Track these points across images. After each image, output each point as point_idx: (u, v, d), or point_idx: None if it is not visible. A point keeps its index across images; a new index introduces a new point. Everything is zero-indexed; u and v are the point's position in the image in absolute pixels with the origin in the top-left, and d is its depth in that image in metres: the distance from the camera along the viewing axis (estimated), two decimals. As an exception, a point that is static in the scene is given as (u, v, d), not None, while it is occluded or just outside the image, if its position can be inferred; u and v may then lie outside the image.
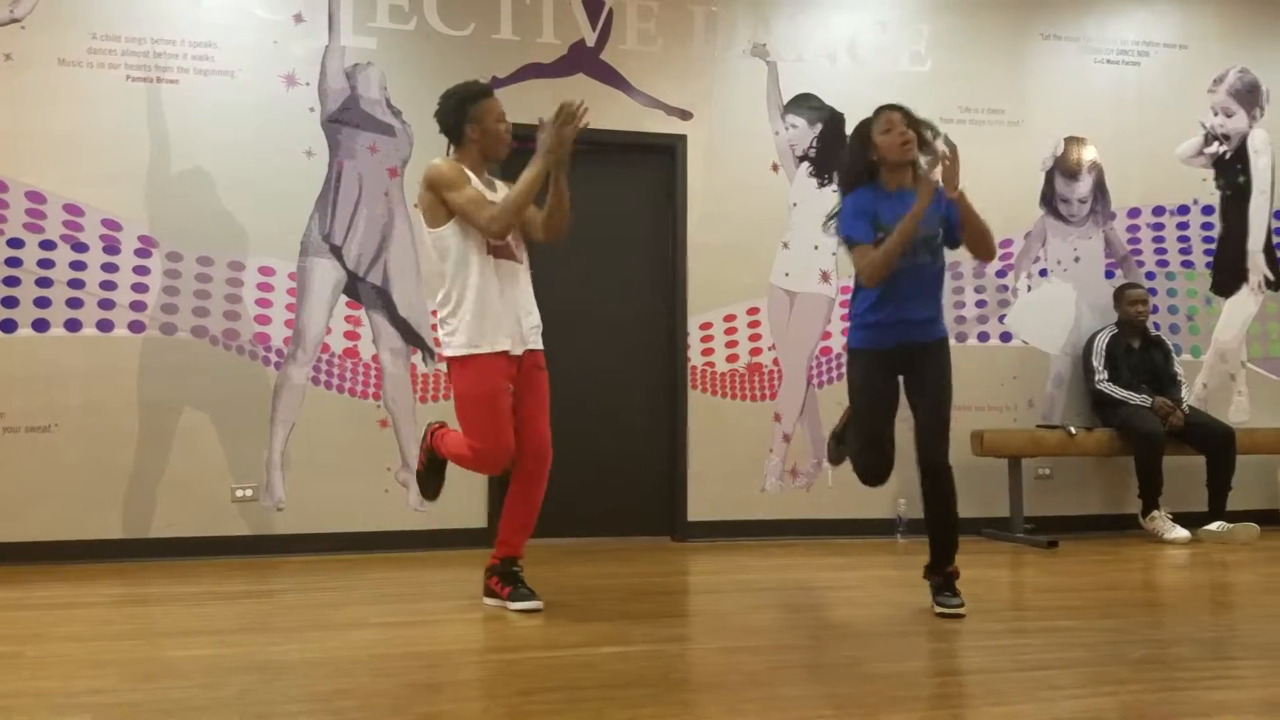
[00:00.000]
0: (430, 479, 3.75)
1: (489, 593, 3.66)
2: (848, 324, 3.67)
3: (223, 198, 4.96)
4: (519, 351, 3.52)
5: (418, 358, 5.13)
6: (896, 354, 3.51)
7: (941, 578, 3.51)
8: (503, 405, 3.45)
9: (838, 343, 5.52)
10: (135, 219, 4.86)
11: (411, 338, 5.12)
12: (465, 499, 5.13)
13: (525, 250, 3.66)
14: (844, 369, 3.62)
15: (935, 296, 3.57)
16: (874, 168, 3.51)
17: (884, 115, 3.50)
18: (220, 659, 2.91)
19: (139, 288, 4.85)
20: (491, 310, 3.45)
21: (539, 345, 3.61)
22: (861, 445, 3.56)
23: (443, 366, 3.83)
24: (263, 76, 5.03)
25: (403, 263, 5.11)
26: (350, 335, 5.06)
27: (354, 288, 5.07)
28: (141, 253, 4.86)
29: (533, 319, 3.60)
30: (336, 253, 5.05)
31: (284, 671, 2.78)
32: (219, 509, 4.89)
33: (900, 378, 3.56)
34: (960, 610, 3.41)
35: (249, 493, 4.93)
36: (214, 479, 4.89)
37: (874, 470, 3.59)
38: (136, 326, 4.84)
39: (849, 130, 5.58)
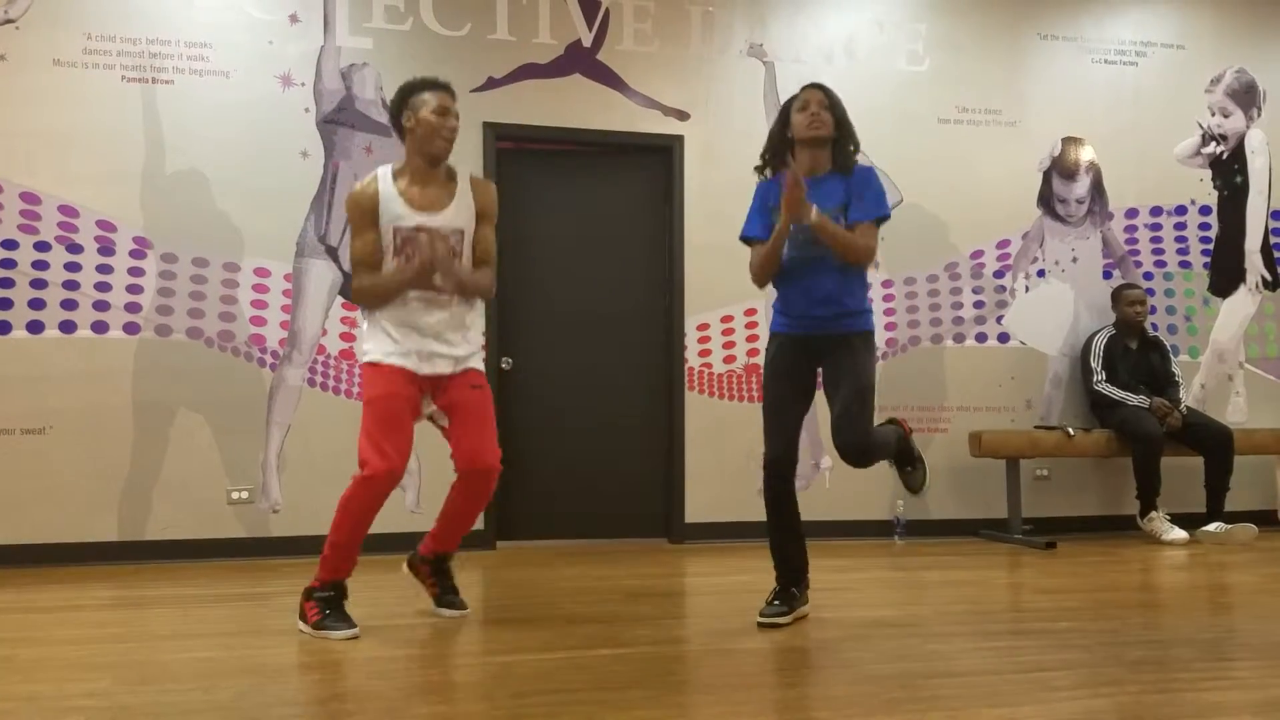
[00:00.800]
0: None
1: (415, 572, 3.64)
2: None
3: (218, 198, 4.95)
4: (425, 372, 3.33)
5: (414, 359, 5.10)
6: (809, 343, 3.37)
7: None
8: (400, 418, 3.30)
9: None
10: (130, 220, 4.85)
11: (408, 339, 5.10)
12: (462, 500, 5.11)
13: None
14: None
15: (844, 290, 3.35)
16: (789, 145, 3.40)
17: (803, 93, 3.41)
18: (216, 662, 2.90)
19: (134, 289, 4.84)
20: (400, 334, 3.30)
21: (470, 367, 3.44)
22: (768, 426, 3.38)
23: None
24: (258, 77, 5.01)
25: (399, 264, 5.09)
26: (346, 337, 5.04)
27: (349, 289, 5.05)
28: (136, 254, 4.85)
29: (455, 350, 3.40)
30: (332, 254, 5.04)
31: (280, 675, 2.77)
32: (215, 511, 4.88)
33: (818, 370, 3.42)
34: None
35: (245, 495, 4.92)
36: (210, 481, 4.88)
37: (773, 452, 3.36)
38: (131, 328, 4.83)
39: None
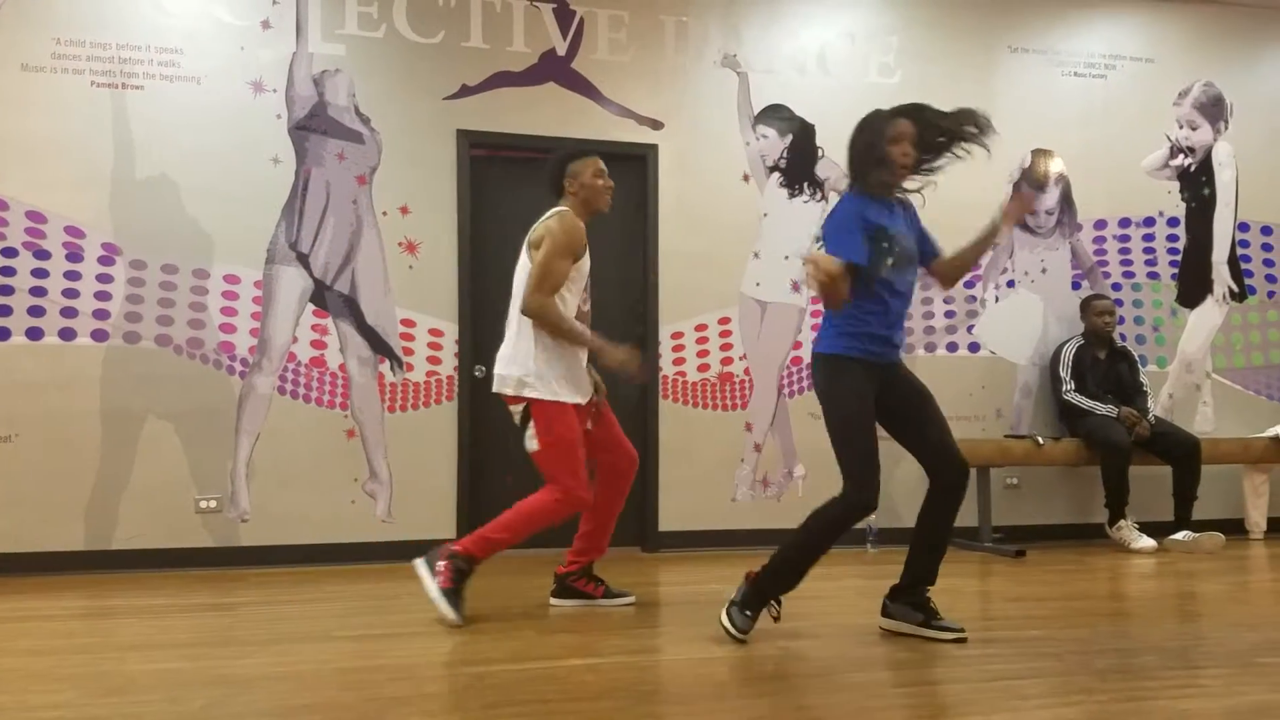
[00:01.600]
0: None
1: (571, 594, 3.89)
2: (821, 330, 3.33)
3: (188, 205, 4.91)
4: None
5: (385, 367, 5.09)
6: (882, 372, 3.27)
7: (928, 596, 3.37)
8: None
9: (808, 352, 5.52)
10: (99, 226, 4.80)
11: (379, 347, 5.08)
12: (433, 509, 5.09)
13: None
14: (817, 379, 3.33)
15: (905, 315, 3.38)
16: (881, 163, 3.24)
17: (901, 124, 3.29)
18: (183, 673, 2.87)
19: (102, 295, 4.79)
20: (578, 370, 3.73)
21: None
22: (862, 467, 3.16)
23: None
24: (229, 83, 4.98)
25: (371, 271, 5.08)
26: (317, 344, 5.02)
27: (321, 296, 5.02)
28: (105, 260, 4.80)
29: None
30: (303, 261, 5.01)
31: (248, 686, 2.74)
32: (183, 520, 4.83)
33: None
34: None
35: (213, 504, 4.87)
36: (178, 490, 4.83)
37: (877, 491, 3.19)
38: (100, 335, 4.78)
39: (819, 141, 5.68)
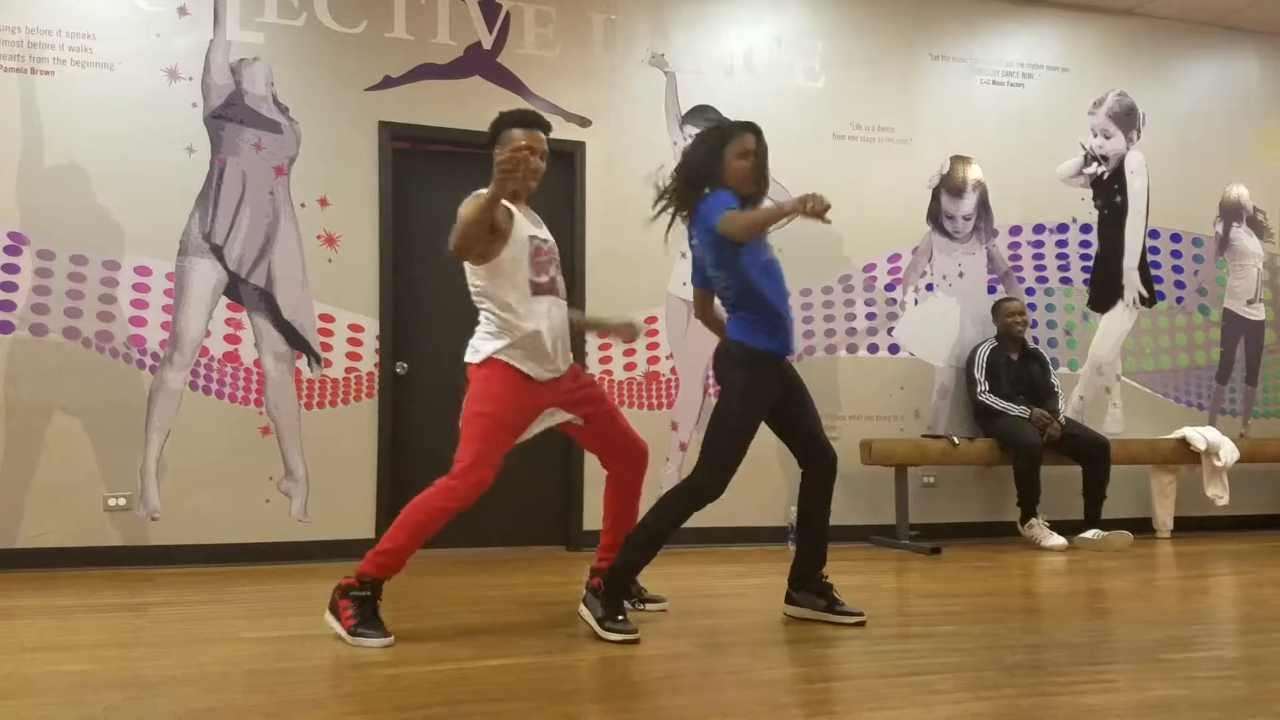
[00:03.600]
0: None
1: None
2: (740, 320, 3.41)
3: (98, 194, 4.77)
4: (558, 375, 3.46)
5: (302, 362, 4.99)
6: (781, 365, 3.45)
7: (824, 583, 3.54)
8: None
9: (731, 352, 5.55)
10: (5, 215, 4.65)
11: (296, 342, 4.99)
12: (352, 508, 5.02)
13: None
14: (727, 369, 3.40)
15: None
16: (718, 179, 3.39)
17: (744, 137, 3.40)
18: (87, 675, 2.78)
19: (8, 286, 4.63)
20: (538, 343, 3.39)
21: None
22: (731, 464, 3.32)
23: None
24: (143, 70, 4.86)
25: (288, 264, 4.98)
26: (231, 339, 4.91)
27: (235, 289, 4.92)
28: (11, 250, 4.65)
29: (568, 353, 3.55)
30: (217, 252, 4.90)
31: (154, 688, 2.67)
32: (90, 518, 4.69)
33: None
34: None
35: (122, 501, 4.74)
36: (85, 487, 4.69)
37: (727, 484, 3.34)
38: (5, 327, 4.62)
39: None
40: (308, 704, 2.55)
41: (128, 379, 4.77)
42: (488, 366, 3.35)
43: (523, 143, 3.37)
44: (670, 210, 3.54)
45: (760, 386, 3.36)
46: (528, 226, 3.46)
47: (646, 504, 3.49)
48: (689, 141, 3.59)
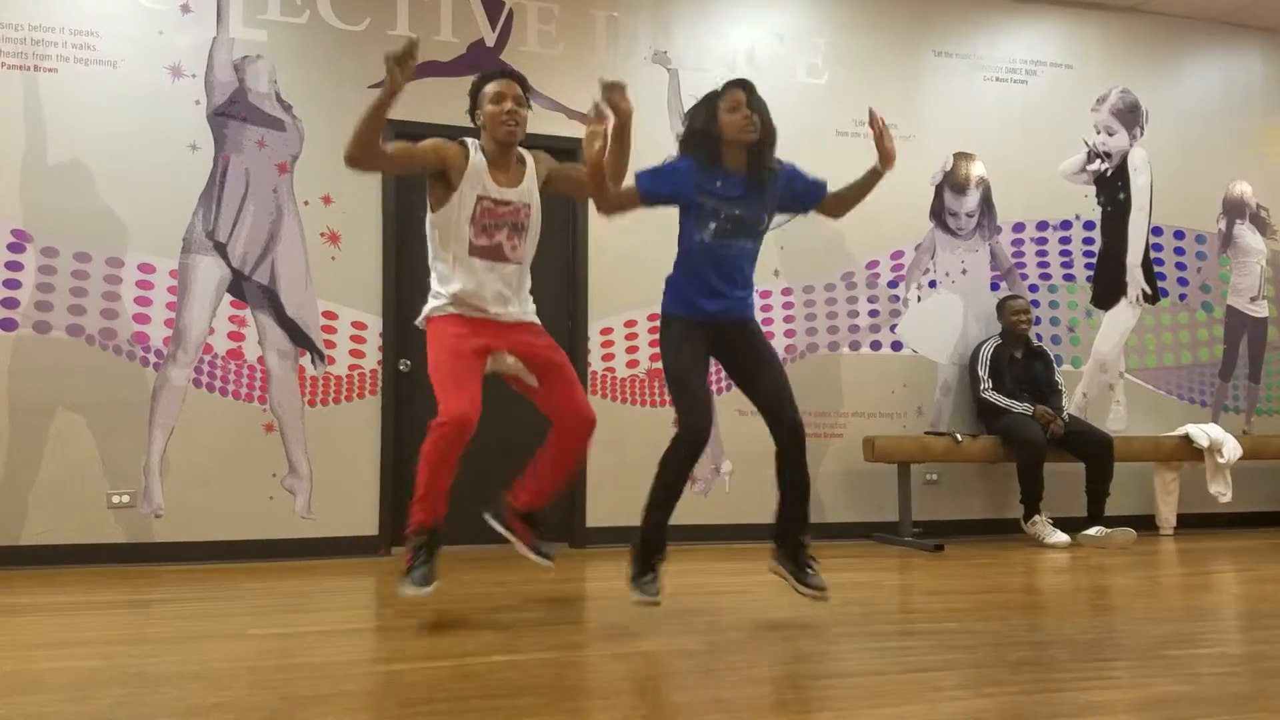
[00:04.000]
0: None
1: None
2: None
3: (102, 192, 4.78)
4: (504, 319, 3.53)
5: (306, 360, 5.00)
6: (716, 331, 3.48)
7: (798, 547, 3.54)
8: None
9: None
10: (8, 213, 4.65)
11: (300, 339, 4.99)
12: (356, 505, 5.02)
13: (527, 247, 3.64)
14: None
15: (744, 281, 3.55)
16: (718, 144, 3.48)
17: (732, 93, 3.48)
18: (92, 671, 2.79)
19: (11, 284, 4.64)
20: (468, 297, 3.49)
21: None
22: (688, 404, 3.37)
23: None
24: (147, 67, 4.86)
25: (291, 261, 4.98)
26: (235, 336, 4.91)
27: (239, 286, 4.92)
28: (15, 247, 4.65)
29: (523, 308, 3.63)
30: (221, 250, 4.90)
31: (159, 684, 2.67)
32: (94, 515, 4.70)
33: (714, 355, 3.54)
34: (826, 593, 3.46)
35: (126, 499, 4.75)
36: (89, 484, 4.70)
37: (706, 423, 3.37)
38: (8, 324, 4.63)
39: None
40: (312, 700, 2.55)
41: (131, 376, 4.78)
42: (429, 327, 3.52)
43: (500, 92, 3.50)
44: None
45: (677, 338, 3.45)
46: (483, 184, 3.49)
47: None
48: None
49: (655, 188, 3.50)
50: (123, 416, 4.75)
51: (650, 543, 3.47)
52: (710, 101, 3.53)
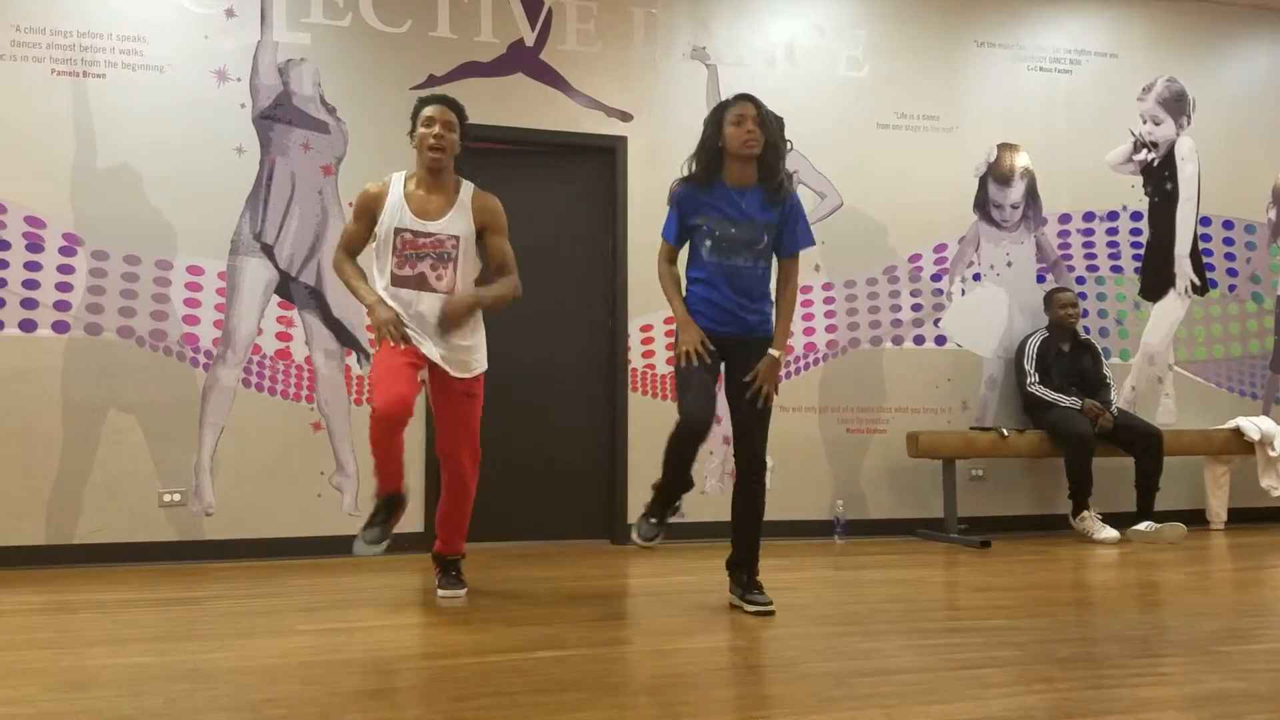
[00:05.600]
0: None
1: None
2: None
3: (150, 195, 4.85)
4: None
5: (352, 359, 5.05)
6: (724, 344, 3.53)
7: (751, 576, 3.63)
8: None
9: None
10: (59, 217, 4.74)
11: (346, 339, 5.05)
12: (401, 502, 5.06)
13: (457, 278, 3.73)
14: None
15: (759, 297, 3.59)
16: (721, 155, 3.53)
17: (737, 105, 3.52)
18: (146, 667, 2.84)
19: (63, 287, 4.73)
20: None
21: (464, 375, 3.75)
22: (689, 397, 3.45)
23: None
24: (193, 72, 4.93)
25: (337, 263, 5.03)
26: (282, 336, 4.97)
27: (286, 287, 4.98)
28: (66, 251, 4.74)
29: (454, 354, 3.71)
30: (268, 252, 4.96)
31: (211, 680, 2.72)
32: (146, 514, 4.78)
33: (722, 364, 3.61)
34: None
35: (177, 497, 4.82)
36: (141, 483, 4.78)
37: (702, 414, 3.42)
38: (61, 326, 4.72)
39: (788, 134, 5.67)
40: (362, 695, 2.59)
41: (182, 377, 4.86)
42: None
43: (429, 116, 3.67)
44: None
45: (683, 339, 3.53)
46: (401, 215, 3.65)
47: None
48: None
49: (678, 234, 3.61)
50: (173, 416, 4.83)
51: (664, 496, 3.59)
52: (717, 113, 3.57)
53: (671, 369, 5.51)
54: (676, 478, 3.55)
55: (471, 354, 3.75)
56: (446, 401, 3.74)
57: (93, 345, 4.75)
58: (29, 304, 4.68)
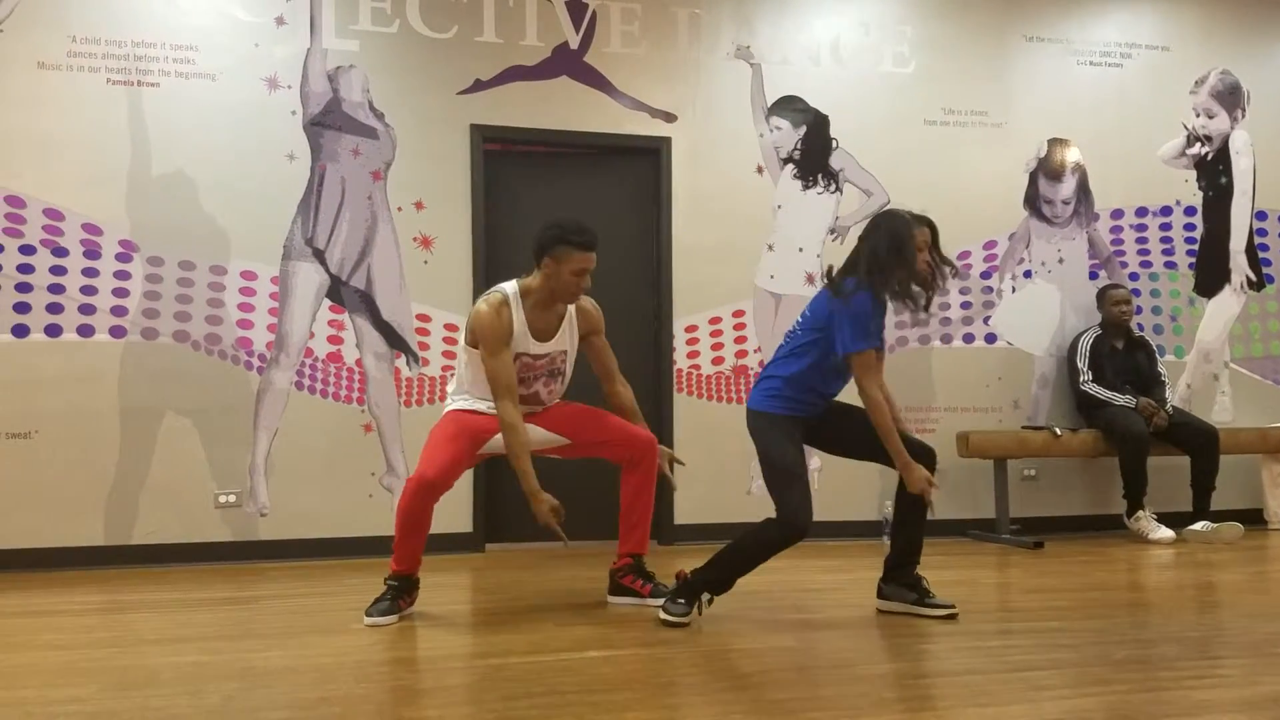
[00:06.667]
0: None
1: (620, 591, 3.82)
2: (758, 388, 3.54)
3: (204, 201, 4.93)
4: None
5: (401, 361, 5.10)
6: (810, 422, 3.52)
7: (919, 575, 3.58)
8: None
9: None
10: (116, 223, 4.83)
11: (395, 342, 5.10)
12: (451, 503, 5.10)
13: (561, 388, 3.81)
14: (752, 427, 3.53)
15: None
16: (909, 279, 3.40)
17: (921, 231, 3.43)
18: (203, 666, 2.89)
19: (120, 292, 4.82)
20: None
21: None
22: (799, 498, 3.37)
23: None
24: (244, 79, 5.00)
25: (386, 266, 5.09)
26: (334, 339, 5.03)
27: (337, 292, 5.04)
28: (123, 257, 4.83)
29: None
30: (319, 256, 5.03)
31: (267, 678, 2.76)
32: (202, 515, 4.86)
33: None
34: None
35: (232, 498, 4.90)
36: (197, 484, 4.86)
37: (809, 519, 3.38)
38: (118, 331, 4.81)
39: (833, 132, 5.66)
40: (416, 693, 2.61)
41: (236, 380, 4.93)
42: (447, 414, 3.69)
43: (585, 269, 3.56)
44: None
45: (787, 428, 3.45)
46: (525, 344, 3.59)
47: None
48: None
49: (879, 340, 3.46)
50: (228, 419, 4.91)
51: (714, 584, 3.47)
52: (908, 230, 3.40)
53: (718, 369, 5.51)
54: (738, 575, 3.46)
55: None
56: (574, 418, 3.75)
57: (149, 350, 4.84)
58: (87, 309, 4.77)
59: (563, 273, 3.52)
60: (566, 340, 3.69)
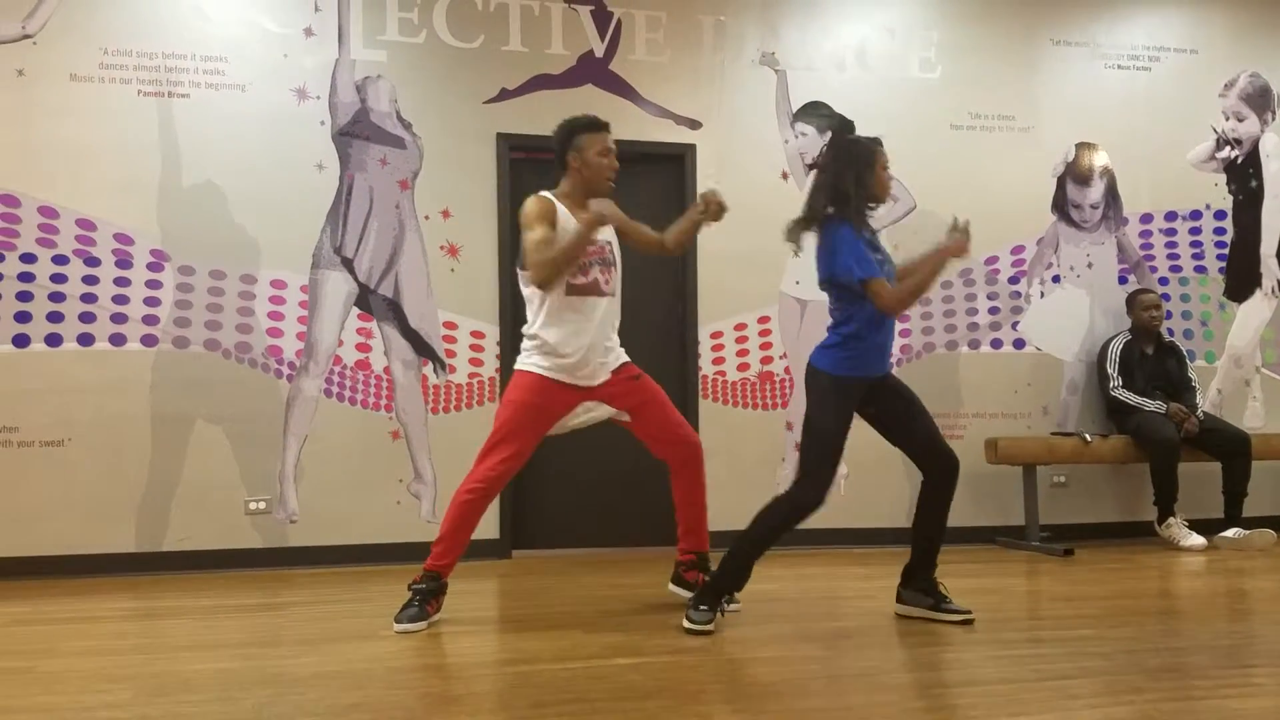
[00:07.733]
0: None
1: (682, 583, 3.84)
2: (828, 342, 3.52)
3: (234, 211, 4.98)
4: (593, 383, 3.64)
5: (429, 369, 5.13)
6: (870, 386, 3.50)
7: (936, 580, 3.58)
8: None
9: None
10: (147, 233, 4.88)
11: (423, 349, 5.13)
12: (478, 510, 5.12)
13: (616, 279, 3.75)
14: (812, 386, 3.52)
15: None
16: (873, 205, 3.51)
17: (882, 151, 3.54)
18: (235, 672, 2.91)
19: (151, 301, 4.87)
20: (565, 350, 3.58)
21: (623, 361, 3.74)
22: (825, 477, 3.41)
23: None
24: (273, 90, 5.05)
25: (414, 275, 5.12)
26: (362, 347, 5.07)
27: (365, 300, 5.08)
28: (154, 266, 4.88)
29: (612, 354, 3.71)
30: (348, 265, 5.06)
31: (299, 684, 2.78)
32: (232, 522, 4.90)
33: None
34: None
35: (262, 505, 4.94)
36: (227, 492, 4.90)
37: (823, 501, 3.44)
38: (149, 340, 4.86)
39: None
40: (447, 699, 2.63)
41: (266, 388, 4.97)
42: (518, 377, 3.65)
43: (608, 147, 3.66)
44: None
45: (842, 400, 3.45)
46: (573, 228, 3.61)
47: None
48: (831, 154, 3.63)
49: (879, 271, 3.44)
50: (258, 426, 4.95)
51: (731, 581, 3.49)
52: (867, 155, 3.51)
53: (743, 375, 5.51)
54: (753, 561, 3.47)
55: (618, 346, 3.75)
56: (637, 397, 3.72)
57: (180, 358, 4.89)
58: (118, 319, 4.82)
59: (589, 158, 3.62)
60: (608, 232, 3.71)
